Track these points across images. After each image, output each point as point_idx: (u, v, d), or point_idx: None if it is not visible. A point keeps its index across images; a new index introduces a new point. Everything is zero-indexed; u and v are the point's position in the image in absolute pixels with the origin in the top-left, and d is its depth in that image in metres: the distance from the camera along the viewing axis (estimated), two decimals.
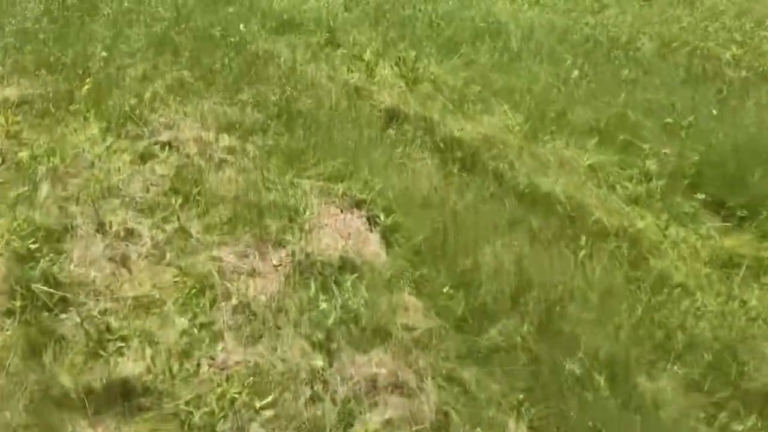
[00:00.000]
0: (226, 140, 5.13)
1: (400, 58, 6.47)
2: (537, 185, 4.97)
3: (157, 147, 4.90)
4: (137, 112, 5.19)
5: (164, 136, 5.06)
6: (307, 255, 4.14)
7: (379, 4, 7.78)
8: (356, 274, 4.01)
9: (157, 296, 3.70)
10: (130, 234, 4.09)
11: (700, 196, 5.00)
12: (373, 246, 4.36)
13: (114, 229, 4.08)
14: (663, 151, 5.23)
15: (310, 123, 5.35)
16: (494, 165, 5.17)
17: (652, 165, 5.28)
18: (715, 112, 6.44)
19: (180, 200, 4.40)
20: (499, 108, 5.99)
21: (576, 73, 6.68)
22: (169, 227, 4.19)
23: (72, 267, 3.76)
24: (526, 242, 4.55)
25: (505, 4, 8.69)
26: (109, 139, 4.88)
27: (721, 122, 6.24)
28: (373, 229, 4.48)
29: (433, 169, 5.13)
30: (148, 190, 4.41)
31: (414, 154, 5.30)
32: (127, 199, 4.34)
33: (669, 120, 6.09)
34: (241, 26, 6.38)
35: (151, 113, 5.25)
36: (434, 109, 5.81)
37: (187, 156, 4.92)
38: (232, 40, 6.36)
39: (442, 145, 5.39)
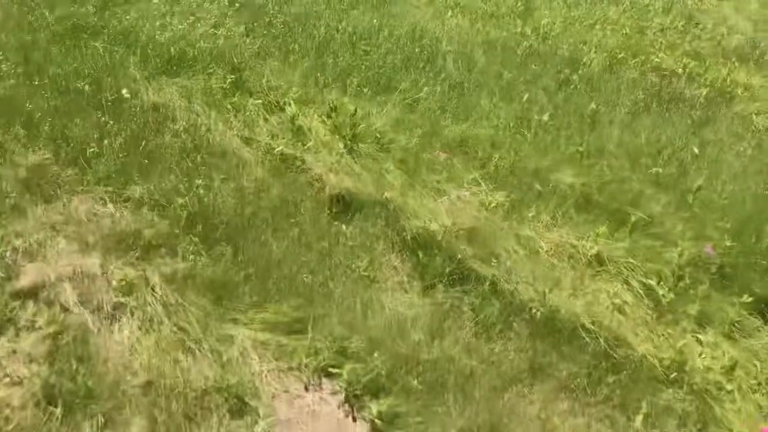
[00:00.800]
0: (119, 271, 3.44)
1: (331, 108, 4.88)
2: (551, 308, 3.60)
3: (16, 305, 3.15)
4: None
5: (26, 278, 3.30)
6: None
7: (286, 24, 6.07)
8: None
9: None
10: None
11: (747, 299, 3.80)
12: None
13: None
14: (704, 249, 3.96)
15: (234, 228, 3.72)
16: (488, 274, 3.74)
17: (670, 251, 4.03)
18: (696, 150, 5.30)
19: (60, 417, 2.73)
20: (467, 174, 4.54)
21: (537, 115, 5.31)
22: None
23: None
24: (559, 401, 3.20)
25: (426, 12, 7.17)
26: None
27: (710, 166, 5.11)
28: (357, 416, 2.99)
29: (412, 288, 3.66)
30: (7, 418, 2.69)
31: (382, 263, 3.79)
32: None
33: (658, 170, 4.89)
34: (124, 91, 4.53)
35: (1, 237, 3.46)
36: (391, 185, 4.30)
37: (65, 310, 3.21)
38: (109, 96, 4.54)
39: (413, 245, 3.90)
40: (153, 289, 3.37)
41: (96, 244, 3.56)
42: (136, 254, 3.54)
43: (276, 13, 6.16)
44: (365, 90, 5.34)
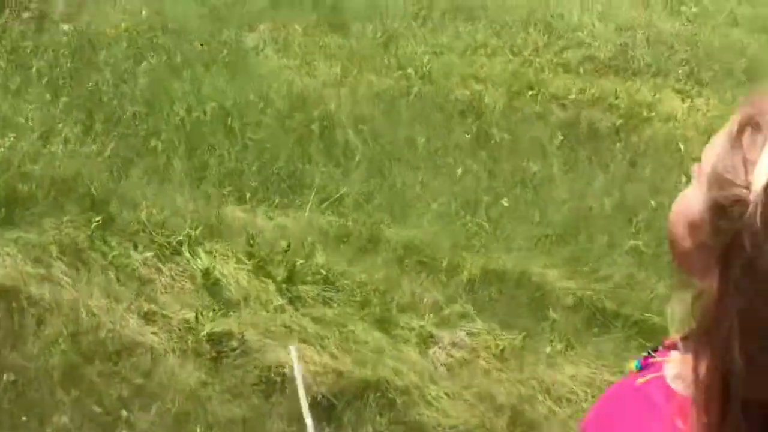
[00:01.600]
0: None
1: (249, 241, 3.59)
2: None
3: None
4: None
5: None
6: None
7: (137, 115, 4.57)
8: None
9: None
10: None
11: None
12: None
13: None
14: None
15: None
16: None
17: None
18: (653, 203, 4.64)
19: None
20: (450, 303, 3.49)
21: (481, 192, 4.37)
22: None
23: None
24: None
25: (288, 63, 5.92)
26: None
27: None
28: None
29: None
30: None
31: None
32: None
33: (637, 243, 4.16)
34: None
35: None
36: (368, 349, 3.14)
37: None
38: None
39: None
40: None
41: None
42: None
43: (119, 101, 4.66)
44: (272, 196, 4.10)
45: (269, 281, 3.44)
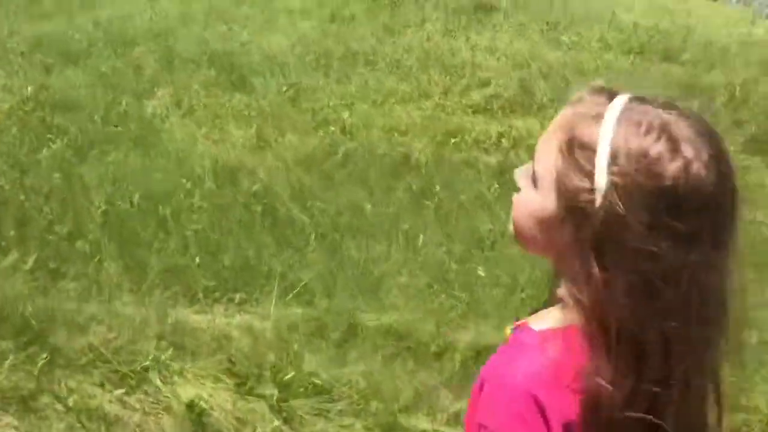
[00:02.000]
0: None
1: (230, 360, 3.17)
2: None
3: None
4: None
5: None
6: None
7: (49, 216, 3.98)
8: None
9: None
10: None
11: None
12: None
13: None
14: None
15: None
16: None
17: None
18: None
19: None
20: (442, 397, 3.25)
21: (448, 257, 4.18)
22: None
23: None
24: None
25: (197, 130, 5.46)
26: None
27: None
28: None
29: None
30: None
31: None
32: None
33: None
34: None
35: None
36: None
37: None
38: None
39: None
40: None
41: None
42: None
43: (27, 198, 4.07)
44: (228, 293, 3.70)
45: (257, 400, 3.04)
